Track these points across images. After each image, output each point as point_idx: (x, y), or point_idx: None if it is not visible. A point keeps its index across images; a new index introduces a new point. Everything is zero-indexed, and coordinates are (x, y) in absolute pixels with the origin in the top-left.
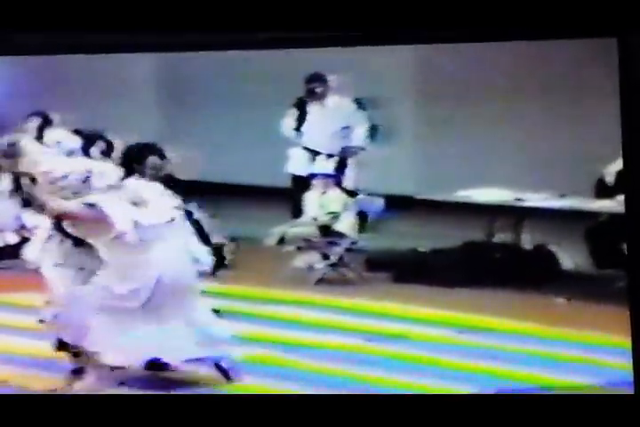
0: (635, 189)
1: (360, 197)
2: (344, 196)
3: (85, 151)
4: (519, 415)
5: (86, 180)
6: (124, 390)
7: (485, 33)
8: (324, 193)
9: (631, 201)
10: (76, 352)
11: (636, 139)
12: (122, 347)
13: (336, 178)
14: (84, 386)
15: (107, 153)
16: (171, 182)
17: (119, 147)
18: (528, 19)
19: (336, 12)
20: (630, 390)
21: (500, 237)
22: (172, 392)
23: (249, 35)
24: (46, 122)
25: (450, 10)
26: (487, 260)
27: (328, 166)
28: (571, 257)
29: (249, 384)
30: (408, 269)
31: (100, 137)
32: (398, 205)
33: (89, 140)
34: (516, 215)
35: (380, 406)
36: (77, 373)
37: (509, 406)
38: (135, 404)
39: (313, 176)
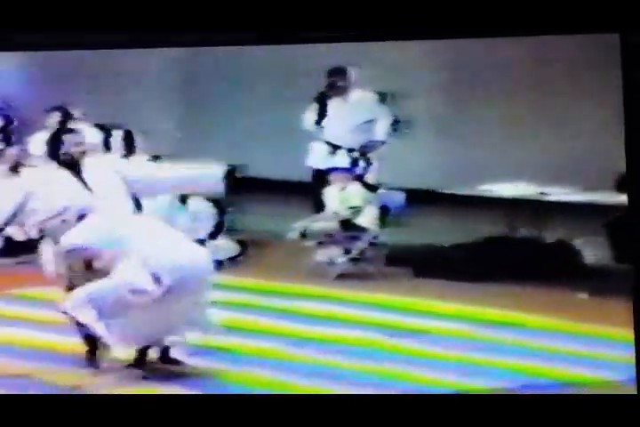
0: (638, 185)
1: (381, 191)
2: (364, 190)
3: (106, 143)
4: (521, 415)
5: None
6: (136, 387)
7: (498, 29)
8: (343, 188)
9: (635, 197)
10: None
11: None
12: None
13: (354, 172)
14: (102, 382)
15: (128, 145)
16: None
17: (141, 141)
18: (537, 14)
19: (356, 8)
20: None
21: (522, 231)
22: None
23: (269, 30)
24: (67, 117)
25: (453, 7)
26: (509, 254)
27: (345, 160)
28: (593, 252)
29: (269, 379)
30: (429, 264)
31: (120, 128)
32: (420, 199)
33: (109, 131)
34: (539, 210)
35: (395, 405)
36: (94, 367)
37: (510, 406)
38: (135, 404)
39: (331, 170)
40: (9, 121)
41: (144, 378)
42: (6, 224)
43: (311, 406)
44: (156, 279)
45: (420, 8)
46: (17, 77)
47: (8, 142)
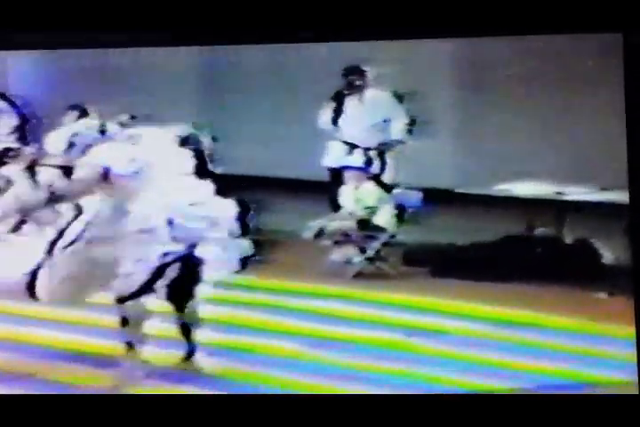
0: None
1: (398, 190)
2: (378, 189)
3: None
4: (526, 416)
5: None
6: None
7: (505, 28)
8: (357, 187)
9: (636, 195)
10: None
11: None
12: None
13: (369, 171)
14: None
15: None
16: (208, 176)
17: None
18: (541, 15)
19: (373, 6)
20: None
21: (541, 231)
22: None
23: (287, 28)
24: (84, 115)
25: (457, 5)
26: (527, 254)
27: (359, 159)
28: (612, 251)
29: (285, 379)
30: (446, 264)
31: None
32: (437, 198)
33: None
34: (557, 209)
35: (411, 405)
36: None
37: (514, 406)
38: (136, 404)
39: (345, 169)
40: (25, 120)
41: (160, 377)
42: None
43: (328, 407)
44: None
45: (432, 6)
46: (33, 76)
47: (24, 141)
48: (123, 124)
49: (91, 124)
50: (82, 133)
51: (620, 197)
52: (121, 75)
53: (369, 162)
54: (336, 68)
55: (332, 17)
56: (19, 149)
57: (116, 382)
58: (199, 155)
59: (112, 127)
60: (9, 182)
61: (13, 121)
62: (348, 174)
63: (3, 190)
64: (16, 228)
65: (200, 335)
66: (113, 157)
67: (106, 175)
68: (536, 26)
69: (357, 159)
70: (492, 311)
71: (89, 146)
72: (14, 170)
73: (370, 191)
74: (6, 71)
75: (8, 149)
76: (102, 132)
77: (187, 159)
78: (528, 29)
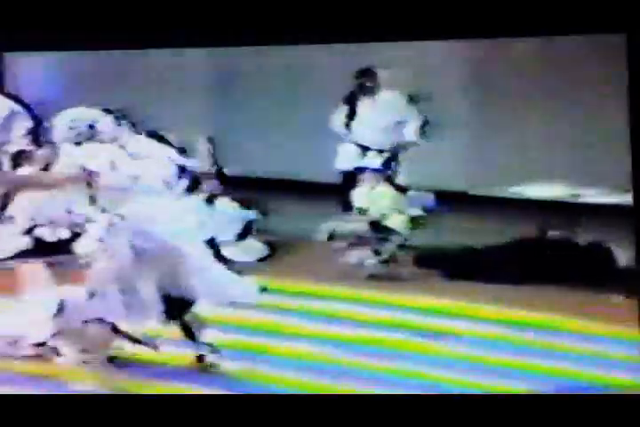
0: None
1: (411, 192)
2: (394, 191)
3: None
4: (539, 416)
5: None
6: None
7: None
8: (373, 188)
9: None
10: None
11: None
12: None
13: (384, 173)
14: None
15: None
16: (220, 178)
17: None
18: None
19: (388, 7)
20: None
21: (555, 233)
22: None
23: (300, 30)
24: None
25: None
26: (541, 257)
27: (376, 161)
28: (627, 254)
29: (300, 380)
30: (460, 266)
31: (154, 134)
32: (450, 200)
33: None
34: (572, 212)
35: (425, 406)
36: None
37: (526, 407)
38: (136, 404)
39: (361, 171)
40: (39, 122)
41: (178, 377)
42: None
43: (339, 408)
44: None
45: (442, 7)
46: (46, 78)
47: (38, 144)
48: (118, 123)
49: (85, 114)
50: (78, 120)
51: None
52: (131, 77)
53: (386, 163)
54: (348, 70)
55: (342, 18)
56: (32, 151)
57: None
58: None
59: (105, 124)
60: (23, 185)
61: (27, 123)
62: (364, 176)
63: (17, 192)
64: (29, 230)
65: (215, 337)
66: (91, 156)
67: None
68: (544, 27)
69: (374, 161)
70: (505, 314)
71: (78, 135)
72: (28, 172)
73: (385, 193)
74: (20, 73)
75: (22, 152)
76: (91, 126)
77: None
78: (535, 31)
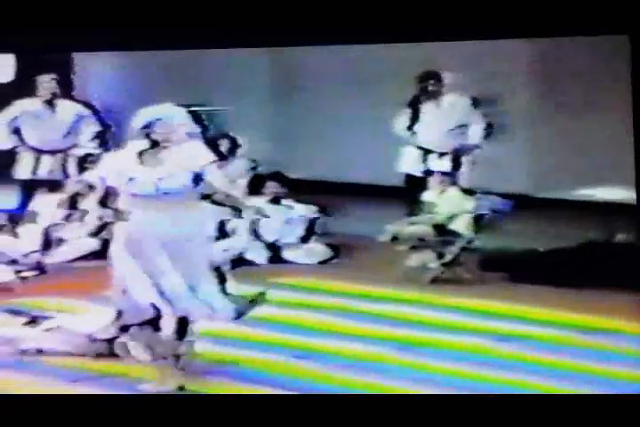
0: None
1: (477, 195)
2: (462, 194)
3: (215, 151)
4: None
5: None
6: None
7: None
8: (442, 192)
9: None
10: None
11: None
12: None
13: (452, 176)
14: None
15: (232, 151)
16: (281, 180)
17: (244, 144)
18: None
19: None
20: None
21: (620, 237)
22: None
23: (364, 30)
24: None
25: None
26: (606, 260)
27: (444, 164)
28: None
29: (364, 382)
30: (525, 269)
31: (226, 135)
32: (515, 203)
33: (214, 139)
34: (637, 215)
35: (489, 407)
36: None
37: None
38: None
39: (429, 174)
40: (106, 126)
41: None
42: None
43: (403, 408)
44: None
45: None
46: (114, 83)
47: (105, 148)
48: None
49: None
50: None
51: None
52: (195, 78)
53: (455, 167)
54: (412, 73)
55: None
56: (100, 155)
57: None
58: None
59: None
60: (91, 188)
61: (95, 127)
62: (434, 179)
63: (84, 196)
64: (97, 232)
65: (276, 336)
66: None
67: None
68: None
69: (441, 164)
70: (570, 317)
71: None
72: (95, 176)
73: (454, 196)
74: (89, 78)
75: (89, 155)
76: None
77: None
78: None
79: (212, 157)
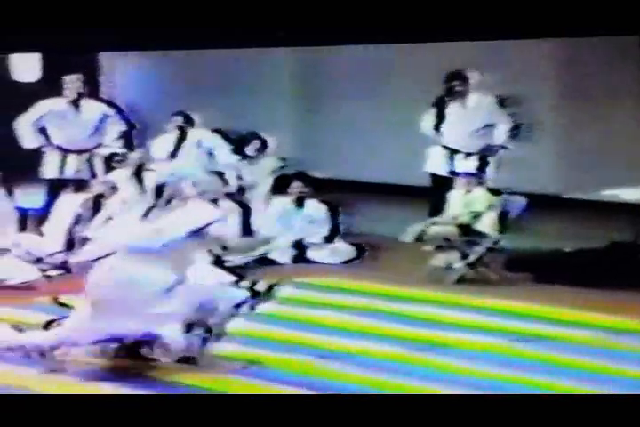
0: None
1: (503, 195)
2: (489, 194)
3: (240, 150)
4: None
5: None
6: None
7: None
8: (468, 192)
9: None
10: None
11: None
12: None
13: (479, 176)
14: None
15: (261, 150)
16: (305, 180)
17: (273, 145)
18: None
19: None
20: None
21: None
22: None
23: (388, 30)
24: (188, 121)
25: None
26: (633, 261)
27: (470, 165)
28: None
29: (388, 382)
30: (551, 270)
31: (256, 136)
32: (541, 204)
33: (244, 139)
34: None
35: (514, 407)
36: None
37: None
38: (137, 405)
39: (456, 174)
40: (131, 126)
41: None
42: None
43: (428, 408)
44: None
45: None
46: (140, 83)
47: (130, 147)
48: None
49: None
50: None
51: None
52: (223, 80)
53: (480, 167)
54: (439, 74)
55: (430, 17)
56: (125, 154)
57: None
58: None
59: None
60: (114, 188)
61: (120, 127)
62: (461, 179)
63: (108, 196)
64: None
65: (300, 336)
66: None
67: None
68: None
69: (467, 164)
70: (596, 318)
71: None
72: (120, 175)
73: (480, 196)
74: (114, 78)
75: (114, 155)
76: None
77: None
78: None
79: (217, 213)
